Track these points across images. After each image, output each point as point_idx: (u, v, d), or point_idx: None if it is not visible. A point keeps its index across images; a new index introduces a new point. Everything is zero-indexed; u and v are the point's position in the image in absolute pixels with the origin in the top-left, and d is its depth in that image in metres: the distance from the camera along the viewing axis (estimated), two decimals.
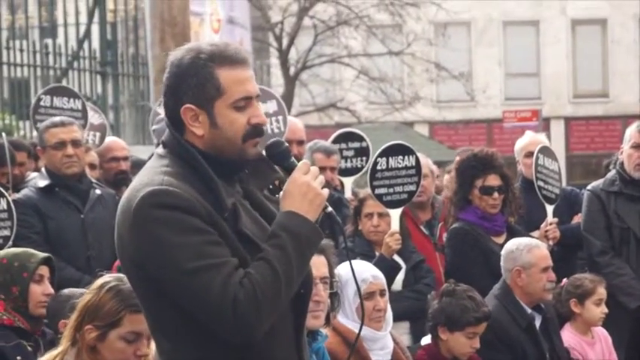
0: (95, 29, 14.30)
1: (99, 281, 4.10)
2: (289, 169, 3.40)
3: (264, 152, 3.46)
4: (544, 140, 8.15)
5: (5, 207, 6.42)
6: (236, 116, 3.34)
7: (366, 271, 5.46)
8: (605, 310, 6.63)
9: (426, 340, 5.97)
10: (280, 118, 7.78)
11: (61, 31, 14.19)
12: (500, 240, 6.85)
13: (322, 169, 6.83)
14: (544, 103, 33.09)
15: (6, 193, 6.51)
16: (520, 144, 8.09)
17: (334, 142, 8.18)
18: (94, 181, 7.11)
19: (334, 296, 4.84)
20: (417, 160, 6.98)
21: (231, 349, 3.24)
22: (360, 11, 26.12)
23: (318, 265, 4.50)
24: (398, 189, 6.86)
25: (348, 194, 8.02)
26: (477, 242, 6.83)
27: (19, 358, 4.84)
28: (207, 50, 3.34)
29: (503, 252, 6.42)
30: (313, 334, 4.62)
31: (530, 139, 8.08)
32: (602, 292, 6.63)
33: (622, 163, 7.16)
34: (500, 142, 27.80)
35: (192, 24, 13.08)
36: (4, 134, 7.52)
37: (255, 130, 3.36)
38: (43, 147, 6.90)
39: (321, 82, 28.62)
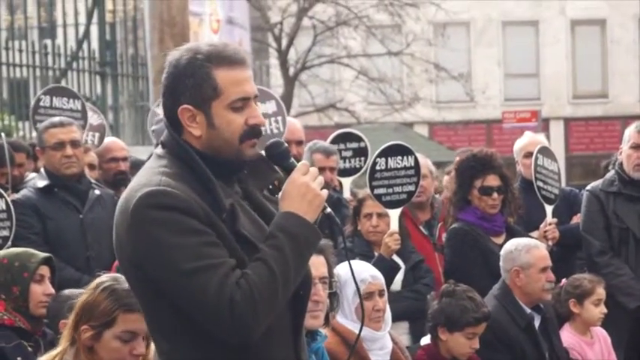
0: (94, 30, 14.29)
1: (95, 281, 4.11)
2: (288, 170, 3.40)
3: (263, 153, 3.46)
4: (543, 141, 8.16)
5: (4, 207, 6.42)
6: (233, 117, 3.34)
7: (365, 271, 5.46)
8: (604, 310, 6.63)
9: (426, 340, 5.97)
10: (279, 118, 7.78)
11: (60, 31, 14.18)
12: (499, 240, 6.85)
13: (321, 170, 6.85)
14: (543, 104, 33.10)
15: (5, 194, 6.52)
16: (519, 144, 8.10)
17: (332, 142, 8.19)
18: (93, 181, 7.11)
19: (333, 296, 4.85)
20: (416, 160, 6.99)
21: (229, 350, 3.24)
22: (359, 11, 26.12)
23: (317, 265, 4.51)
24: (397, 189, 6.86)
25: (346, 194, 8.02)
26: (477, 242, 6.84)
27: (19, 358, 4.84)
28: (204, 50, 3.33)
29: (502, 252, 6.42)
30: (312, 334, 4.63)
31: (529, 140, 8.08)
32: (601, 292, 6.63)
33: (621, 164, 7.16)
34: (500, 143, 27.79)
35: (191, 24, 13.08)
36: (3, 135, 7.52)
37: (253, 131, 3.36)
38: (42, 147, 6.90)
39: (321, 82, 28.61)
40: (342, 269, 4.91)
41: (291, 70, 26.36)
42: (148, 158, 3.47)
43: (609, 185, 7.16)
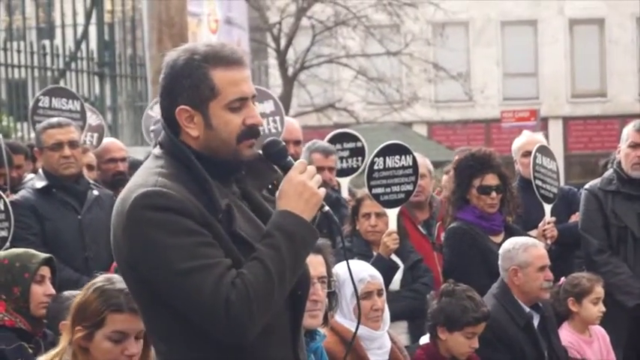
0: (93, 30, 14.30)
1: (90, 282, 4.12)
2: (286, 168, 3.39)
3: (260, 152, 3.46)
4: (541, 139, 8.16)
5: (3, 208, 6.42)
6: (231, 117, 3.33)
7: (364, 270, 5.46)
8: (603, 308, 6.63)
9: (425, 339, 5.97)
10: (277, 118, 7.79)
11: (58, 32, 14.18)
12: (498, 239, 6.85)
13: (320, 169, 6.85)
14: (542, 103, 33.11)
15: (3, 195, 6.51)
16: (517, 143, 8.10)
17: (329, 142, 8.20)
18: (91, 182, 7.10)
19: (332, 296, 4.84)
20: (414, 159, 6.98)
21: (226, 350, 3.24)
22: (357, 11, 26.12)
23: (315, 264, 4.50)
24: (395, 189, 6.86)
25: (344, 194, 8.03)
26: (475, 241, 6.84)
27: None
28: (201, 51, 3.33)
29: (500, 251, 6.42)
30: (311, 333, 4.62)
31: (527, 139, 8.09)
32: (599, 290, 6.64)
33: (619, 162, 7.17)
34: (499, 142, 27.80)
35: (189, 24, 13.09)
36: (0, 135, 7.52)
37: (251, 131, 3.35)
38: (40, 148, 6.90)
39: (320, 82, 28.60)
40: (340, 269, 4.91)
41: (290, 70, 26.36)
42: (145, 158, 3.47)
43: (608, 184, 7.16)
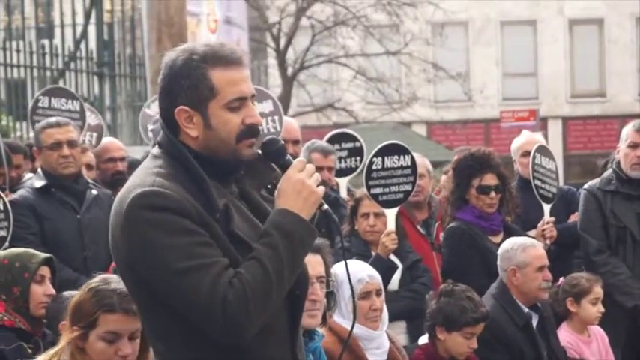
0: (92, 30, 14.30)
1: (87, 282, 4.12)
2: (284, 167, 3.38)
3: (259, 152, 3.45)
4: (540, 139, 8.16)
5: (2, 208, 6.42)
6: (230, 117, 3.32)
7: (363, 270, 5.46)
8: (602, 308, 6.63)
9: (423, 339, 5.97)
10: (276, 118, 7.80)
11: (57, 31, 14.17)
12: (497, 239, 6.85)
13: (319, 169, 6.81)
14: (541, 103, 33.11)
15: (2, 195, 6.51)
16: (516, 143, 8.10)
17: (328, 143, 8.20)
18: (90, 181, 7.10)
19: (330, 295, 4.85)
20: (413, 159, 6.99)
21: (224, 350, 3.23)
22: (357, 11, 26.11)
23: (314, 264, 4.50)
24: (394, 189, 6.86)
25: (343, 195, 8.03)
26: (474, 242, 6.84)
27: None
28: (200, 51, 3.32)
29: (499, 251, 6.43)
30: (310, 333, 4.63)
31: (526, 139, 8.09)
32: (598, 290, 6.64)
33: (618, 163, 7.17)
34: (498, 142, 27.81)
35: (189, 24, 13.09)
36: None
37: (250, 131, 3.35)
38: (39, 148, 6.90)
39: (319, 82, 28.60)
40: (339, 268, 4.91)
41: (290, 70, 26.35)
42: (143, 157, 3.47)
43: (607, 184, 7.16)
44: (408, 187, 6.91)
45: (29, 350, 4.88)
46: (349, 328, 5.05)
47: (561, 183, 7.96)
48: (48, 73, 13.20)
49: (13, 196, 6.80)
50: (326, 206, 3.37)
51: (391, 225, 6.75)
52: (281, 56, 26.13)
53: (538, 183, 7.42)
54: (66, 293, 5.10)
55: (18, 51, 12.60)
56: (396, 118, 29.15)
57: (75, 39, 14.00)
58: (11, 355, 4.82)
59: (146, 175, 3.29)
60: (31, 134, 8.64)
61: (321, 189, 3.35)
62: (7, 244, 6.27)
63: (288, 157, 3.41)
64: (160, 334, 3.31)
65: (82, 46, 13.88)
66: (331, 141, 8.30)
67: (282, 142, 3.48)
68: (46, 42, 13.79)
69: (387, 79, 27.66)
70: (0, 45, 12.54)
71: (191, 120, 3.33)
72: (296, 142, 7.94)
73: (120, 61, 14.44)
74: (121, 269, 3.35)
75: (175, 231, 3.17)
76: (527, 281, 6.28)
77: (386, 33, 27.37)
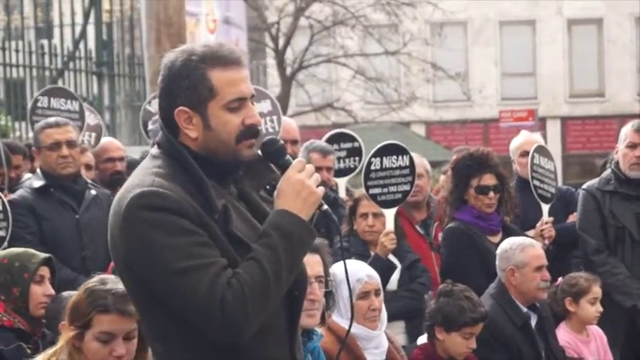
0: (91, 30, 14.29)
1: (85, 282, 4.13)
2: (284, 167, 3.38)
3: (259, 152, 3.45)
4: (539, 139, 8.16)
5: (1, 208, 6.42)
6: (229, 117, 3.32)
7: (361, 270, 5.46)
8: (600, 308, 6.64)
9: (422, 339, 5.97)
10: (275, 118, 7.81)
11: (56, 31, 14.16)
12: (495, 239, 6.85)
13: (318, 169, 6.81)
14: (540, 103, 33.11)
15: (1, 195, 6.52)
16: (515, 143, 8.11)
17: (326, 143, 8.20)
18: (89, 181, 7.11)
19: (329, 295, 4.85)
20: (411, 159, 6.99)
21: (223, 350, 3.23)
22: (356, 11, 26.13)
23: (312, 264, 4.50)
24: (392, 189, 6.86)
25: (342, 195, 8.03)
26: (473, 242, 6.84)
27: None
28: (199, 52, 3.32)
29: (498, 251, 6.43)
30: (308, 333, 4.62)
31: (525, 139, 8.09)
32: (597, 290, 6.64)
33: (617, 163, 7.17)
34: (497, 142, 27.81)
35: (188, 24, 13.09)
36: None
37: (250, 131, 3.35)
38: (38, 148, 6.90)
39: (318, 82, 28.61)
40: (338, 268, 4.91)
41: (288, 70, 26.36)
42: (141, 157, 3.47)
43: (605, 184, 7.16)
44: (407, 187, 6.92)
45: (28, 351, 4.88)
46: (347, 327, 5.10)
47: (560, 183, 7.96)
48: (47, 73, 13.20)
49: (12, 196, 6.80)
50: (325, 206, 3.37)
51: (390, 225, 6.75)
52: (280, 56, 26.14)
53: (537, 183, 7.42)
54: (65, 293, 5.10)
55: (17, 51, 12.60)
56: (394, 118, 29.16)
57: (74, 39, 14.00)
58: (10, 356, 4.82)
59: (145, 175, 3.29)
60: (30, 134, 8.65)
61: (321, 189, 3.34)
62: (6, 244, 6.27)
63: (288, 157, 3.41)
64: (159, 335, 3.31)
65: (81, 46, 13.87)
66: (330, 141, 8.31)
67: (282, 142, 3.47)
68: (45, 42, 13.79)
69: (386, 79, 27.67)
70: None
71: (190, 121, 3.33)
72: (294, 142, 7.95)
73: (119, 61, 14.43)
74: (119, 269, 3.35)
75: (174, 231, 3.17)
76: (526, 281, 6.28)
77: (385, 33, 27.39)
